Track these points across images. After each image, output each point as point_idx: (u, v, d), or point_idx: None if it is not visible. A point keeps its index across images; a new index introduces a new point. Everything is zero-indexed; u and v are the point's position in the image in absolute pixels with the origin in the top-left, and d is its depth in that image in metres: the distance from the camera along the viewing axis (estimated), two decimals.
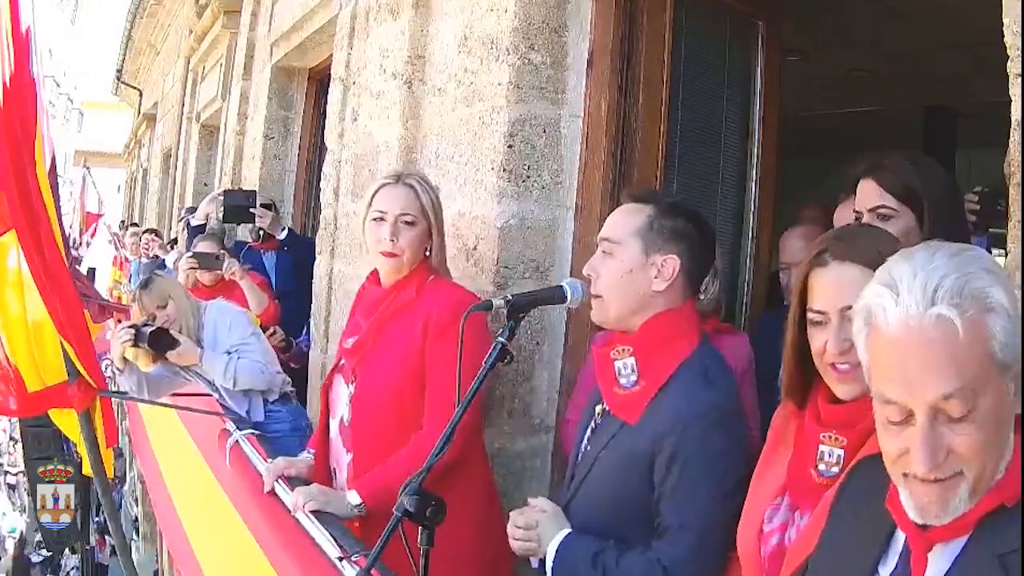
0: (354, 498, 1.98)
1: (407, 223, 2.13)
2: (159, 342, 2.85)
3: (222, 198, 4.57)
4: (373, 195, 2.18)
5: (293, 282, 4.22)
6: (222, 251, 4.09)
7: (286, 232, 4.46)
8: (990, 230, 1.94)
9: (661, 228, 1.70)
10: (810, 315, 1.37)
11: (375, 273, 2.24)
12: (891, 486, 1.03)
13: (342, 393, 2.21)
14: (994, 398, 0.95)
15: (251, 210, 4.43)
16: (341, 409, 2.21)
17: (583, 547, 1.64)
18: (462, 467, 2.04)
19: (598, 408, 1.79)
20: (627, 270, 1.69)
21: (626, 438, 1.65)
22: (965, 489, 0.95)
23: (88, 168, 13.88)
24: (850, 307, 1.29)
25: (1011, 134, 1.37)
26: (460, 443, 1.94)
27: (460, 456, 1.98)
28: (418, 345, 2.07)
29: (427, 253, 2.17)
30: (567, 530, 1.67)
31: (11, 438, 15.49)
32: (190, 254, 4.16)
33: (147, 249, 7.50)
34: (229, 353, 2.95)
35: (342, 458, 2.21)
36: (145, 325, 2.89)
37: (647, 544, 1.61)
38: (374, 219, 2.15)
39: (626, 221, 1.72)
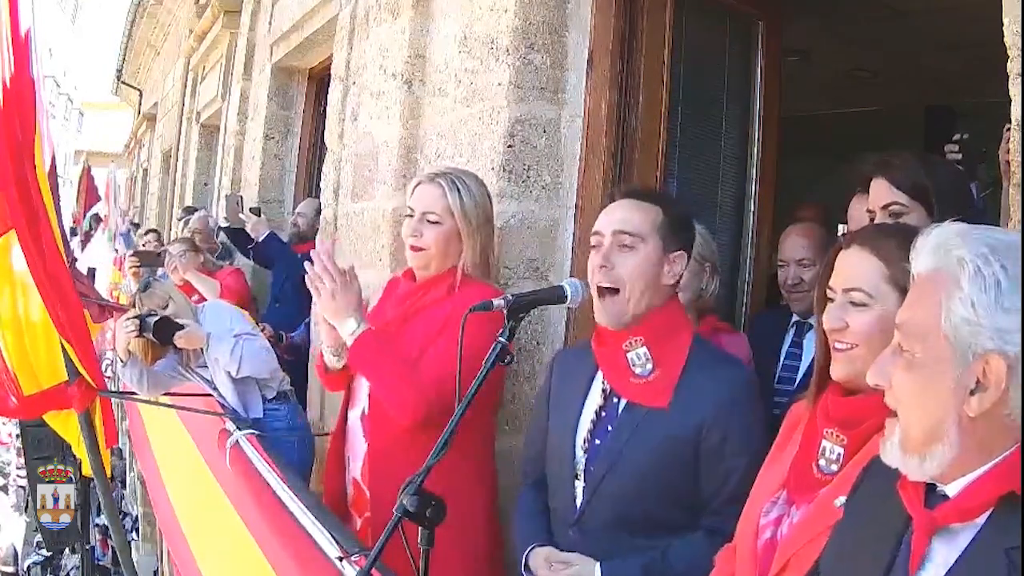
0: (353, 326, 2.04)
1: (431, 222, 2.15)
2: (164, 330, 2.86)
3: (224, 202, 4.75)
4: (412, 191, 2.22)
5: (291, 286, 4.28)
6: (163, 248, 4.19)
7: (263, 237, 4.54)
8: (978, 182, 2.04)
9: (674, 227, 1.81)
10: (827, 291, 1.42)
11: (410, 270, 2.26)
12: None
13: (363, 383, 2.21)
14: (933, 363, 0.98)
15: (239, 215, 4.59)
16: (362, 401, 2.22)
17: (626, 568, 1.69)
18: (468, 466, 2.04)
19: (598, 402, 1.81)
20: (651, 264, 1.78)
21: (659, 423, 1.70)
22: (897, 436, 1.03)
23: (115, 164, 13.90)
24: (854, 289, 1.35)
25: (1011, 134, 1.37)
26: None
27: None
28: None
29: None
30: (598, 563, 1.71)
31: (13, 436, 15.45)
32: (131, 253, 4.26)
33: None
34: (235, 337, 2.96)
35: (359, 448, 2.21)
36: (149, 315, 2.90)
37: (684, 526, 1.69)
38: (406, 215, 2.21)
39: (645, 218, 1.80)
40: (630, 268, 1.77)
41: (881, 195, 1.81)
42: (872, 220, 1.83)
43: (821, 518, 1.29)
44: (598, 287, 1.79)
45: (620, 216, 1.81)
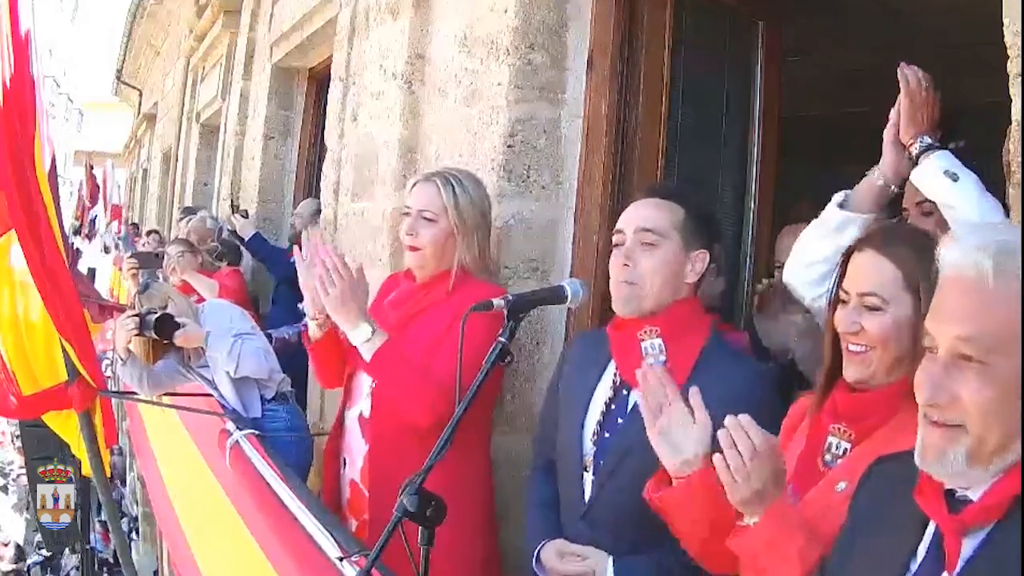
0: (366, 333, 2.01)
1: (426, 219, 2.16)
2: (164, 327, 2.87)
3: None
4: (410, 191, 2.24)
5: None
6: (160, 249, 4.28)
7: (248, 237, 4.73)
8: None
9: (696, 226, 1.83)
10: (840, 293, 1.43)
11: (411, 269, 2.26)
12: (921, 477, 1.04)
13: (363, 384, 2.21)
14: (1012, 368, 0.95)
15: (231, 217, 4.80)
16: (361, 402, 2.21)
17: (639, 566, 1.69)
18: (465, 465, 2.04)
19: (607, 393, 1.81)
20: (671, 261, 1.80)
21: None
22: (964, 447, 0.98)
23: (111, 162, 13.97)
24: (870, 294, 1.37)
25: (1011, 134, 1.38)
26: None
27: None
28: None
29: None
30: (611, 557, 1.72)
31: (10, 435, 15.45)
32: (130, 255, 4.34)
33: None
34: (235, 336, 2.97)
35: (356, 449, 2.21)
36: (149, 313, 2.90)
37: None
38: (403, 213, 2.22)
39: (667, 216, 1.82)
40: (651, 265, 1.79)
41: (915, 193, 1.87)
42: (906, 218, 1.89)
43: (822, 498, 1.35)
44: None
45: (643, 214, 1.83)
